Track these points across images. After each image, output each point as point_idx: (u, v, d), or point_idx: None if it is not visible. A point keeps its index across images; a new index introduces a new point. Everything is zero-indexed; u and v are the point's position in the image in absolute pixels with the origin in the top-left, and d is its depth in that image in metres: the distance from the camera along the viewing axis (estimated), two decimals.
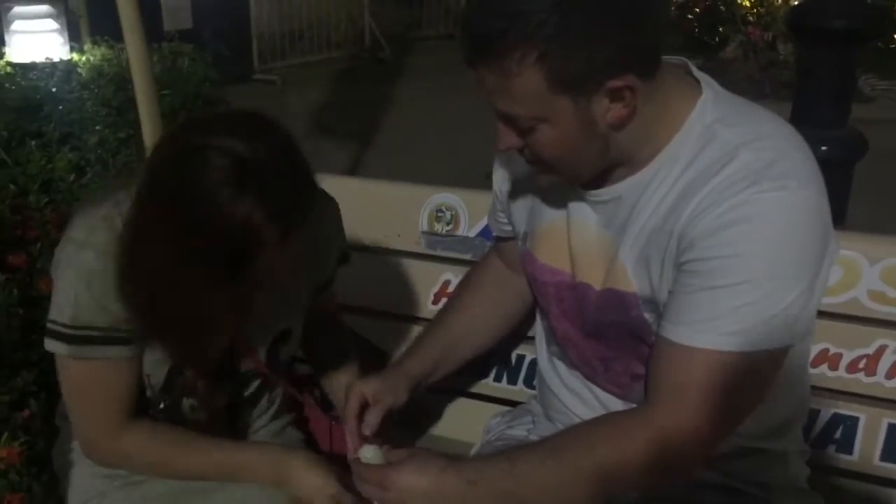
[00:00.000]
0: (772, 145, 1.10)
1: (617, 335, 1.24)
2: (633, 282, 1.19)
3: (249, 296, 1.18)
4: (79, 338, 1.26)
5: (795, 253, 1.08)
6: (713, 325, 1.08)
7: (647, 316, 1.19)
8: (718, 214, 1.07)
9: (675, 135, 1.14)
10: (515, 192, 1.38)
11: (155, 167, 1.15)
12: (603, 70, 1.04)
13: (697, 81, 1.17)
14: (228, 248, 1.11)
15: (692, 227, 1.09)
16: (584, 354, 1.31)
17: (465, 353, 1.55)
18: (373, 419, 1.39)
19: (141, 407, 1.37)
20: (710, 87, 1.16)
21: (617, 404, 1.29)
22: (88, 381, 1.32)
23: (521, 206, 1.37)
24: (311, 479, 1.39)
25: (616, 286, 1.21)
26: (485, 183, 1.58)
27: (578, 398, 1.34)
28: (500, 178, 1.41)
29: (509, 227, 1.45)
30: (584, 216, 1.24)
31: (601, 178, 1.20)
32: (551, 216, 1.30)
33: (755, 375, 1.13)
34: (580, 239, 1.25)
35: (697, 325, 1.09)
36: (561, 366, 1.38)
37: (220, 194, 1.09)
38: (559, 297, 1.31)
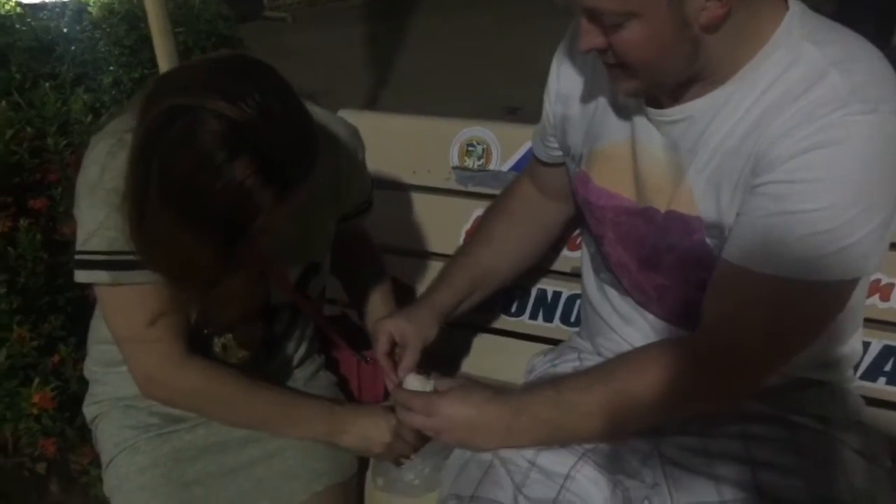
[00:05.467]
0: (863, 67, 1.04)
1: (675, 261, 1.20)
2: (698, 205, 1.14)
3: (249, 252, 1.14)
4: (119, 263, 1.22)
5: (880, 181, 1.02)
6: (783, 251, 1.03)
7: (710, 241, 1.14)
8: (803, 136, 1.01)
9: (760, 50, 1.07)
10: (571, 112, 1.32)
11: (147, 127, 1.09)
12: None
13: None
14: (224, 213, 1.08)
15: (773, 148, 1.04)
16: (638, 282, 1.27)
17: (494, 284, 1.52)
18: (408, 361, 1.37)
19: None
20: (796, 2, 1.09)
21: (671, 331, 1.26)
22: (137, 309, 1.27)
23: (578, 127, 1.31)
24: (367, 429, 1.39)
25: (679, 209, 1.16)
26: (512, 117, 1.52)
27: (631, 325, 1.31)
28: (554, 98, 1.35)
29: (559, 152, 1.40)
30: (649, 138, 1.18)
31: (672, 96, 1.14)
32: (612, 137, 1.24)
33: (821, 305, 1.09)
34: (646, 162, 1.19)
35: (766, 250, 1.05)
36: (612, 292, 1.34)
37: (213, 161, 1.04)
38: (616, 221, 1.26)
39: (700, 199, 1.13)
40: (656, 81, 1.11)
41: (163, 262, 1.17)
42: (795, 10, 1.09)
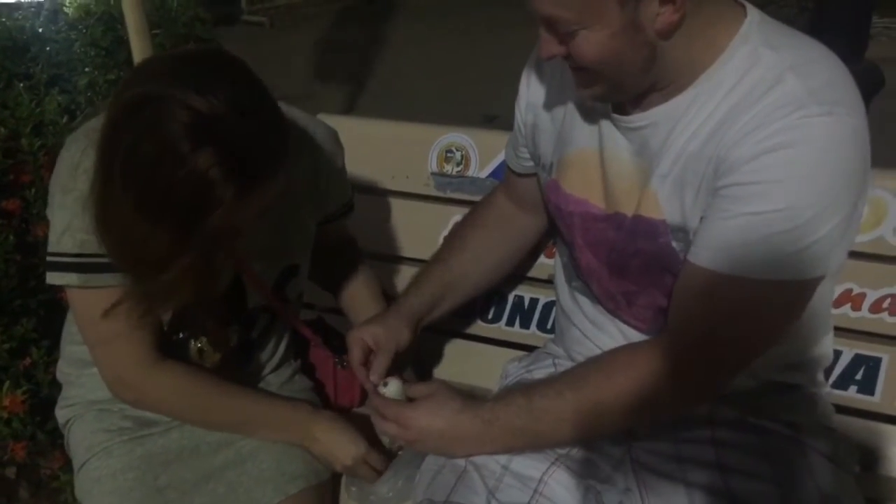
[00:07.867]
0: (820, 70, 1.06)
1: (642, 266, 1.21)
2: (663, 209, 1.15)
3: (210, 246, 1.13)
4: (90, 265, 1.22)
5: (838, 181, 1.04)
6: (746, 252, 1.05)
7: (675, 245, 1.16)
8: (762, 138, 1.03)
9: (719, 57, 1.09)
10: (542, 121, 1.33)
11: (116, 115, 1.09)
12: None
13: (741, 5, 1.12)
14: (184, 202, 1.07)
15: (733, 151, 1.05)
16: (608, 288, 1.29)
17: (465, 292, 1.52)
18: (380, 366, 1.37)
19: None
20: (754, 10, 1.11)
21: (642, 338, 1.27)
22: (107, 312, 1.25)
23: (548, 136, 1.32)
24: (339, 438, 1.39)
25: (645, 213, 1.17)
26: (489, 124, 1.53)
27: (604, 333, 1.32)
28: (525, 107, 1.36)
29: (531, 163, 1.41)
30: (615, 144, 1.20)
31: (636, 103, 1.16)
32: (580, 144, 1.26)
33: (784, 304, 1.10)
34: (614, 168, 1.21)
35: (729, 251, 1.06)
36: (585, 301, 1.35)
37: (177, 150, 1.04)
38: (585, 227, 1.27)
39: (665, 202, 1.15)
40: (617, 87, 1.13)
41: (118, 245, 1.15)
42: (753, 17, 1.10)
